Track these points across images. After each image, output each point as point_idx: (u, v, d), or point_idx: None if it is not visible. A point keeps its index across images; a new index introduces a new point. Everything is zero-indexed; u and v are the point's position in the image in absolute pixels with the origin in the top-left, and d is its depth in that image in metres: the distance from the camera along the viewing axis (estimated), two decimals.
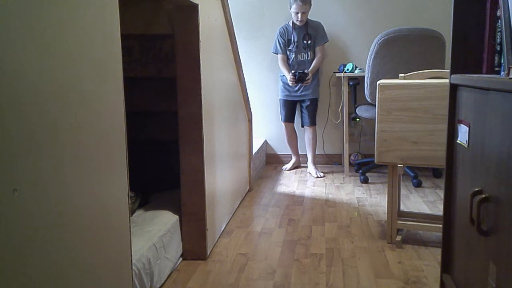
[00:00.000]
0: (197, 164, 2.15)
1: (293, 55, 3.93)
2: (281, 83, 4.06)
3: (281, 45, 3.95)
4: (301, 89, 3.94)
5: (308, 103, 3.98)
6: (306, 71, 3.81)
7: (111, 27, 1.27)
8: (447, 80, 1.55)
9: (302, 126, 4.09)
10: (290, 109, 4.07)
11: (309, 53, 3.93)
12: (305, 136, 4.08)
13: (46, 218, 0.99)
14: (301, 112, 4.07)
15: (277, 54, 4.00)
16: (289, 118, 4.08)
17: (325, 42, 3.97)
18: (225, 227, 2.65)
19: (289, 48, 3.94)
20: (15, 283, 0.91)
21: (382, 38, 3.30)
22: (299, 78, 3.78)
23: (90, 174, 1.17)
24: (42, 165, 0.98)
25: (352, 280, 2.00)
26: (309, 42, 3.91)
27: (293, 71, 3.81)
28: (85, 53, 1.14)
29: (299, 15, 3.81)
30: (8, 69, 0.87)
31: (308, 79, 3.80)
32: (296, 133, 4.17)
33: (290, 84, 3.86)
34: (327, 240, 2.46)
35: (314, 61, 3.91)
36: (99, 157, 1.21)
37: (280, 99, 4.09)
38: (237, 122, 3.04)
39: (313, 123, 4.02)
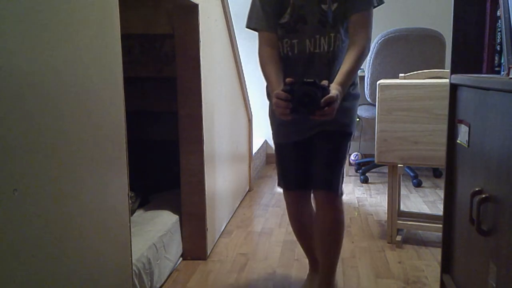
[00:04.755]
0: (197, 164, 2.15)
1: (294, 39, 1.56)
2: (272, 108, 1.56)
3: (265, 10, 1.58)
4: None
5: (329, 140, 1.62)
6: (323, 82, 1.38)
7: (111, 27, 1.27)
8: (447, 80, 1.55)
9: (316, 188, 1.67)
10: (300, 160, 1.69)
11: (332, 35, 1.54)
12: (315, 215, 1.72)
13: (46, 218, 0.99)
14: (312, 159, 1.65)
15: (256, 31, 1.62)
16: (299, 180, 1.72)
17: (379, 5, 1.56)
18: (225, 227, 2.65)
19: (282, 21, 1.57)
20: (15, 283, 0.91)
21: (382, 38, 3.30)
22: (303, 99, 1.35)
23: (90, 174, 1.17)
24: (42, 165, 0.98)
25: (352, 280, 2.00)
26: (335, 4, 1.53)
27: (287, 81, 1.39)
28: (85, 53, 1.14)
29: None
30: (7, 69, 0.87)
31: (332, 106, 1.36)
32: (311, 217, 1.79)
33: (277, 114, 1.41)
34: None
35: (351, 54, 1.50)
36: (99, 157, 1.21)
37: (276, 144, 1.76)
38: (237, 122, 3.04)
39: (335, 186, 1.62)
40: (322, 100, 1.33)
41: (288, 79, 1.38)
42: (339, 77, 1.46)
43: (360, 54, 1.50)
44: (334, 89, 1.37)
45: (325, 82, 1.36)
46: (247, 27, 1.62)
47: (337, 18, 1.53)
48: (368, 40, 1.53)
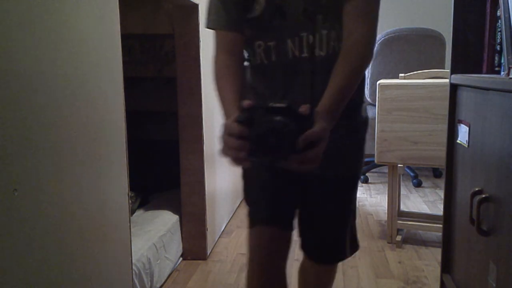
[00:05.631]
0: (197, 164, 2.15)
1: (270, 41, 1.06)
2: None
3: (224, 1, 1.06)
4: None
5: (331, 193, 1.16)
6: (302, 108, 0.83)
7: (111, 27, 1.27)
8: (447, 80, 1.55)
9: (306, 253, 1.25)
10: (281, 187, 1.14)
11: (325, 32, 1.03)
12: (302, 262, 1.35)
13: (46, 218, 0.99)
14: (302, 218, 1.20)
15: (214, 30, 1.09)
16: (277, 211, 1.15)
17: None
18: (225, 227, 2.65)
19: (252, 15, 1.05)
20: (15, 283, 0.91)
21: (382, 38, 3.30)
22: (266, 137, 0.80)
23: (90, 174, 1.17)
24: (42, 165, 0.98)
25: (352, 280, 2.00)
26: None
27: (245, 106, 0.85)
28: (85, 53, 1.14)
29: None
30: (7, 69, 0.87)
31: (316, 148, 0.82)
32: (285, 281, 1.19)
33: (230, 158, 0.84)
34: None
35: (343, 61, 0.97)
36: (99, 157, 1.21)
37: (244, 172, 1.21)
38: None
39: (342, 255, 1.21)
40: (301, 139, 0.80)
41: (246, 103, 0.85)
42: (326, 99, 0.94)
43: (357, 59, 0.98)
44: (319, 120, 0.84)
45: (304, 108, 0.83)
46: (206, 27, 1.11)
47: (330, 6, 1.02)
48: (369, 38, 1.00)
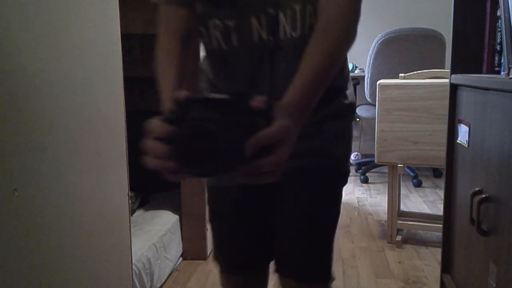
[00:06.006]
0: None
1: (228, 20, 0.83)
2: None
3: None
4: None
5: (311, 189, 0.90)
6: (256, 101, 0.58)
7: (111, 27, 1.27)
8: (447, 80, 1.55)
9: (280, 274, 0.94)
10: (251, 215, 0.97)
11: (298, 7, 0.80)
12: None
13: (46, 218, 0.99)
14: (279, 220, 0.93)
15: (159, 4, 0.86)
16: (248, 254, 1.04)
17: None
18: None
19: None
20: (15, 282, 0.91)
21: (383, 38, 3.30)
22: (193, 142, 0.57)
23: (90, 174, 1.17)
24: (42, 165, 0.98)
25: (352, 280, 2.00)
26: None
27: (178, 98, 0.58)
28: (85, 53, 1.14)
29: None
30: (8, 69, 0.87)
31: (273, 154, 0.59)
32: None
33: (157, 170, 0.61)
34: None
35: (318, 37, 0.73)
36: (99, 157, 1.21)
37: (210, 188, 1.01)
38: None
39: (323, 272, 0.93)
40: (251, 142, 0.57)
41: (181, 94, 0.59)
42: (294, 88, 0.70)
43: (335, 39, 0.74)
44: (280, 116, 0.61)
45: (258, 101, 0.59)
46: (151, 1, 0.88)
47: None
48: (351, 10, 0.76)
